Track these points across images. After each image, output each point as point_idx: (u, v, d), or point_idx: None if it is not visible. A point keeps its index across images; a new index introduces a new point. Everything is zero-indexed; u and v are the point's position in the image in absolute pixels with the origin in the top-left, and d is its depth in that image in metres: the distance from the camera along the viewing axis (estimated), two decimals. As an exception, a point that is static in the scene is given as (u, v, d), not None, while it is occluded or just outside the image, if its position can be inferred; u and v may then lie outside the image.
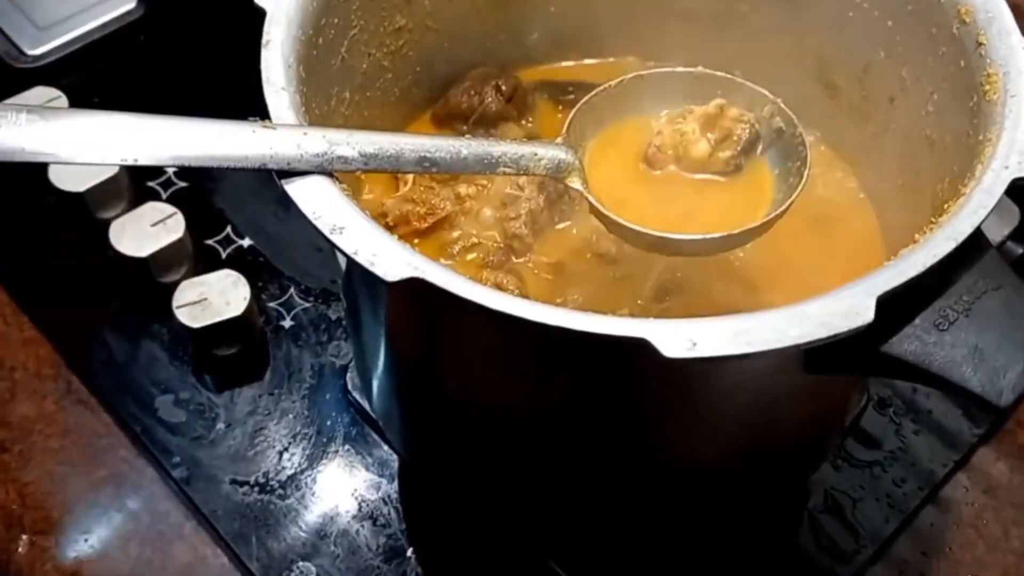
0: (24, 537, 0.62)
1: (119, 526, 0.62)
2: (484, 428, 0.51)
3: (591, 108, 0.51)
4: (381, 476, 0.64)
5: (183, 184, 0.78)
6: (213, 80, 0.83)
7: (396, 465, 0.65)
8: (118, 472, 0.64)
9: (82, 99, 0.79)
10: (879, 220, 0.58)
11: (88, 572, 0.60)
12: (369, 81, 0.56)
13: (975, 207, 0.40)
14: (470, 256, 0.57)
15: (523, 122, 0.64)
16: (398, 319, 0.46)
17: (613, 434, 0.48)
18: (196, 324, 0.66)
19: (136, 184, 0.76)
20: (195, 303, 0.66)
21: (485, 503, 0.61)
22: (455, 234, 0.58)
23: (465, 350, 0.46)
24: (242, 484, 0.64)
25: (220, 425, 0.66)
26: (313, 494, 0.64)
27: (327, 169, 0.41)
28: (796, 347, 0.36)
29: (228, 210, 0.77)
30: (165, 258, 0.70)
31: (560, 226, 0.58)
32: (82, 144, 0.40)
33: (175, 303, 0.66)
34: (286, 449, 0.65)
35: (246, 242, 0.75)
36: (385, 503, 0.63)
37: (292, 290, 0.73)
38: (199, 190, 0.77)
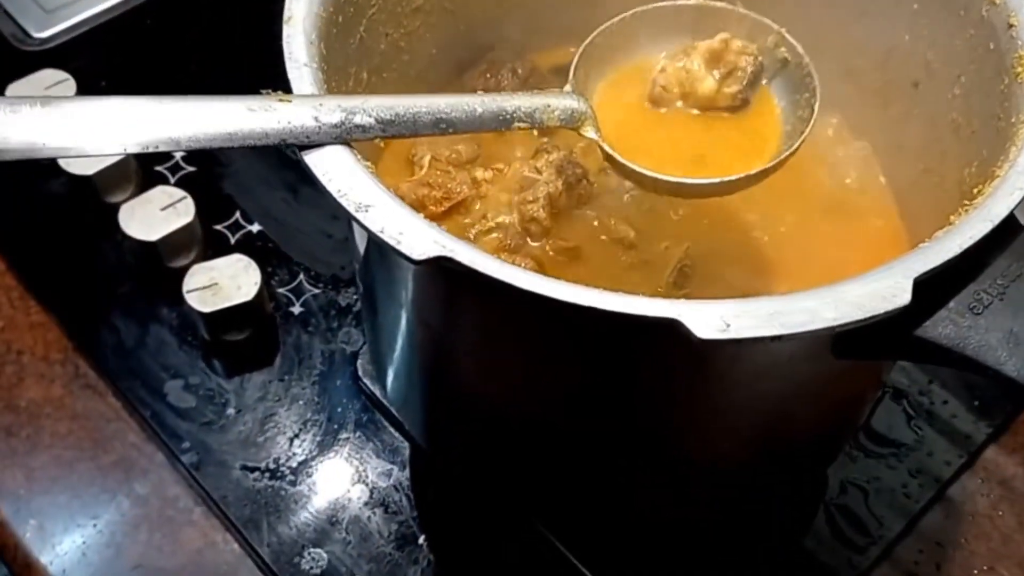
0: (32, 522, 0.61)
1: (128, 511, 0.62)
2: (501, 415, 0.51)
3: (594, 50, 0.51)
4: (392, 463, 0.64)
5: (191, 169, 0.77)
6: (221, 63, 0.82)
7: (408, 452, 0.64)
8: (127, 457, 0.64)
9: (89, 82, 0.79)
10: (900, 206, 0.58)
11: (97, 558, 0.60)
12: (386, 62, 0.56)
13: (1011, 188, 0.40)
14: (487, 239, 0.56)
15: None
16: (420, 300, 0.46)
17: (629, 424, 0.47)
18: (207, 309, 0.65)
19: (144, 168, 0.76)
20: (206, 288, 0.66)
21: (498, 491, 0.60)
22: (471, 218, 0.57)
23: (488, 331, 0.45)
24: (252, 470, 0.63)
25: (230, 411, 0.66)
26: (324, 480, 0.63)
27: (345, 139, 0.41)
28: (831, 329, 0.36)
29: (237, 195, 0.76)
30: (175, 242, 0.70)
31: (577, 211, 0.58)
32: (96, 133, 0.38)
33: (186, 287, 0.66)
34: (296, 435, 0.65)
35: (255, 227, 0.74)
36: (397, 490, 0.63)
37: (302, 276, 0.72)
38: (208, 175, 0.77)
